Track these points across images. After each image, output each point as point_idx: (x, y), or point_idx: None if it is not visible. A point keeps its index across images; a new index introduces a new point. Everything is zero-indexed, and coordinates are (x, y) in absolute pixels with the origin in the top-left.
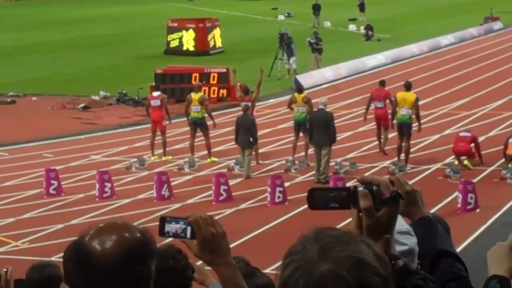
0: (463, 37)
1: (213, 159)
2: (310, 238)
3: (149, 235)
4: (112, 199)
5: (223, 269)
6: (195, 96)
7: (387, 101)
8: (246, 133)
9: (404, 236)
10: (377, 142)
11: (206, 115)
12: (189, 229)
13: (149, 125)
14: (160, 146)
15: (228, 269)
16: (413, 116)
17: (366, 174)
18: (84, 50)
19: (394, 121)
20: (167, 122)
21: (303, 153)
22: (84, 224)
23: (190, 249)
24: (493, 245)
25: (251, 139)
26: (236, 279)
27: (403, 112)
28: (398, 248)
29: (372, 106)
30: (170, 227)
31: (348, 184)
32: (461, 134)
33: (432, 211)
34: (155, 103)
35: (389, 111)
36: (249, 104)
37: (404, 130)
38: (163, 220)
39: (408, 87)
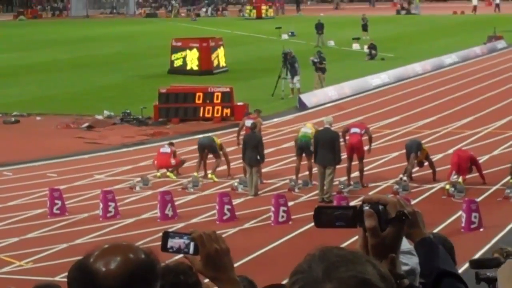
0: (466, 56)
1: (214, 177)
2: (316, 257)
3: (153, 256)
4: (116, 218)
5: (226, 285)
6: (218, 140)
7: (364, 131)
8: (253, 150)
9: (405, 256)
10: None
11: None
12: (192, 244)
13: (153, 144)
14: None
15: (231, 286)
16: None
17: (370, 193)
18: (88, 70)
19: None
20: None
21: (306, 173)
22: (88, 244)
23: (193, 265)
24: None
25: (258, 157)
26: None
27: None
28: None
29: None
30: (173, 243)
31: (352, 203)
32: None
33: (436, 230)
34: (165, 150)
35: (364, 138)
36: (256, 122)
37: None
38: (166, 235)
39: None
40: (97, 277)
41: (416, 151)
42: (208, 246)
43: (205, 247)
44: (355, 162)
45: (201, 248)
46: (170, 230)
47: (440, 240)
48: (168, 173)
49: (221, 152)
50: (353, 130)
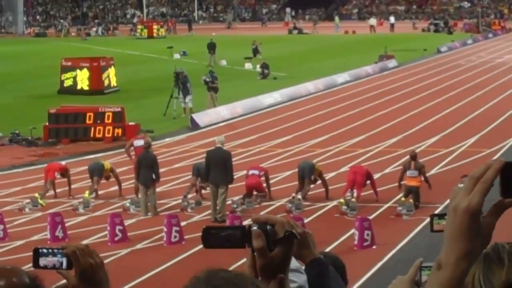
0: (358, 75)
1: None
2: (201, 280)
3: (38, 281)
4: (5, 241)
5: None
6: (108, 164)
7: (262, 173)
8: (148, 170)
9: (293, 273)
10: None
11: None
12: (65, 260)
13: (43, 165)
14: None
15: None
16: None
17: (262, 212)
18: None
19: None
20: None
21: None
22: None
23: (67, 281)
24: (390, 282)
25: (153, 176)
26: None
27: None
28: None
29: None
30: (46, 260)
31: (245, 223)
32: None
33: (329, 248)
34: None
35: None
36: (150, 140)
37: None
38: (37, 252)
39: None
40: None
41: (309, 176)
42: (82, 261)
43: (79, 262)
44: None
45: (75, 263)
46: (40, 246)
47: (331, 259)
48: (38, 199)
49: (111, 174)
50: (251, 172)
